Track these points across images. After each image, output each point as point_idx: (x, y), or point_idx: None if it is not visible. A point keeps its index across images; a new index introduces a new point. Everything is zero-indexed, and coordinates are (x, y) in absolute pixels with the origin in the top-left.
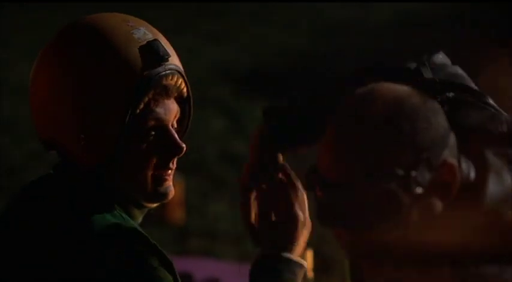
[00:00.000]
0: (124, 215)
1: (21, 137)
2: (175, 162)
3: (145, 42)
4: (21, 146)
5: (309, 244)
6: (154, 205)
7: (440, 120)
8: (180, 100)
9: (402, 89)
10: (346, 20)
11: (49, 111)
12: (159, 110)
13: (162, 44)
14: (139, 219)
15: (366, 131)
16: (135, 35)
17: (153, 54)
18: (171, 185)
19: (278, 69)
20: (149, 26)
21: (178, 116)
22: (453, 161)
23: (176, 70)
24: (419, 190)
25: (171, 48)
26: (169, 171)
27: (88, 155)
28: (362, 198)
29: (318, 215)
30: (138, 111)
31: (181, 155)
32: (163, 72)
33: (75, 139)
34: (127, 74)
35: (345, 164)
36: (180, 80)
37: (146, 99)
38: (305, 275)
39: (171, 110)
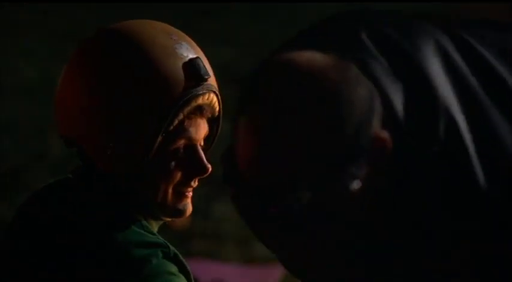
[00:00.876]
0: (144, 223)
1: (22, 138)
2: (197, 181)
3: (187, 59)
4: (22, 147)
5: None
6: (170, 219)
7: (364, 87)
8: (211, 119)
9: (315, 61)
10: None
11: (79, 117)
12: (192, 129)
13: (203, 62)
14: (155, 230)
15: (288, 125)
16: (178, 50)
17: (194, 73)
18: (189, 203)
19: None
20: (191, 41)
21: (206, 134)
22: (383, 133)
23: (213, 90)
24: (357, 185)
25: (209, 65)
26: (190, 188)
27: (114, 163)
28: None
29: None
30: (171, 127)
31: (206, 175)
32: (201, 92)
33: (103, 146)
34: (166, 89)
35: (268, 165)
36: (215, 99)
37: (181, 116)
38: None
39: (202, 130)
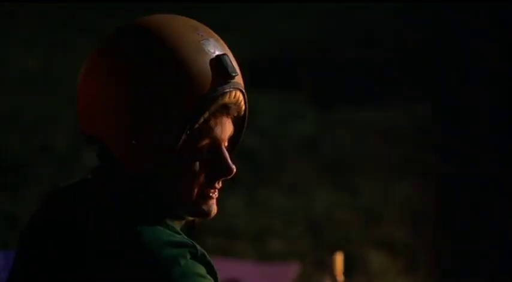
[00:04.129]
0: (169, 222)
1: (25, 130)
2: (221, 182)
3: (214, 55)
4: (24, 139)
5: (336, 246)
6: (194, 219)
7: None
8: (236, 118)
9: None
10: (350, 11)
11: (104, 115)
12: (217, 128)
13: (231, 59)
14: (178, 230)
15: None
16: (205, 46)
17: (221, 70)
18: (214, 204)
19: (287, 59)
20: (218, 37)
21: (231, 134)
22: None
23: (239, 88)
24: None
25: (236, 63)
26: (214, 190)
27: (138, 161)
28: None
29: None
30: (197, 126)
31: (231, 177)
32: (228, 90)
33: (126, 144)
34: (192, 87)
35: None
36: (241, 98)
37: (207, 114)
38: (335, 278)
39: (227, 129)
